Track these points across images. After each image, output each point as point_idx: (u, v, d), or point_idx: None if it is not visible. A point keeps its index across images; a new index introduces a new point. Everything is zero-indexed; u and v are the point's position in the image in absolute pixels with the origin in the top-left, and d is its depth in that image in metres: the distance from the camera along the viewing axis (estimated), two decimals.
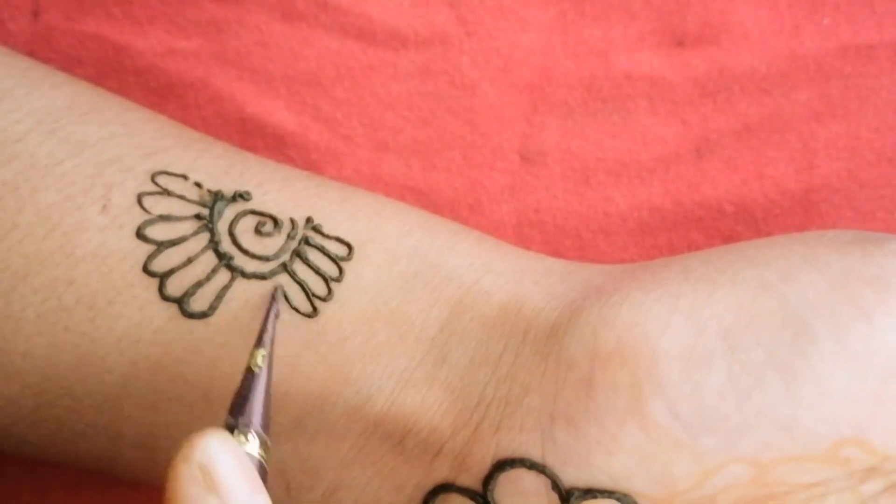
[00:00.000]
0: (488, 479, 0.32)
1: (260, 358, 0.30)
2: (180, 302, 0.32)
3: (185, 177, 0.33)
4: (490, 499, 0.32)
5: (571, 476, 0.31)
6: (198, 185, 0.33)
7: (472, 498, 0.32)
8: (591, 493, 0.31)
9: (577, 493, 0.31)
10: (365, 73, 0.39)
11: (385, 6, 0.39)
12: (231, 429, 0.29)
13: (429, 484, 0.32)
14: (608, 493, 0.31)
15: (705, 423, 0.30)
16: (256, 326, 0.31)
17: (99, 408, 0.33)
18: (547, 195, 0.40)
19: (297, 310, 0.32)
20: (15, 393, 0.33)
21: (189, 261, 0.32)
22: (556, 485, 0.31)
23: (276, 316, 0.31)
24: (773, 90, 0.40)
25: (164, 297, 0.32)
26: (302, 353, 0.32)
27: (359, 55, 0.39)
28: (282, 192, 0.34)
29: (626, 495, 0.31)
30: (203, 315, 0.32)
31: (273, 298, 0.31)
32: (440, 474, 0.32)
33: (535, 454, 0.31)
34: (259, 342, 0.30)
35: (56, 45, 0.39)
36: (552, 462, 0.31)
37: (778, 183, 0.40)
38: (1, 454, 0.41)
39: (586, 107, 0.40)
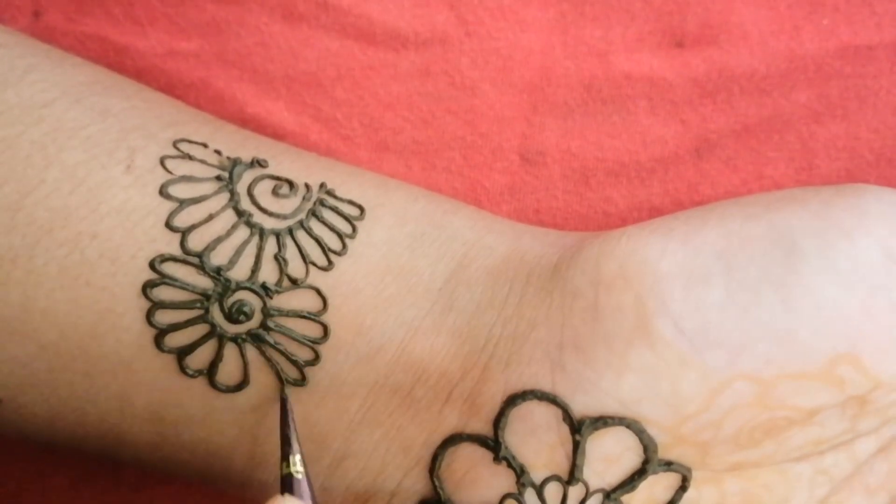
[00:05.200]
0: (499, 417, 0.32)
1: (299, 463, 0.31)
2: (201, 256, 0.33)
3: (205, 145, 0.34)
4: (501, 439, 0.32)
5: (581, 404, 0.32)
6: (217, 152, 0.34)
7: (482, 444, 0.33)
8: (601, 421, 0.32)
9: (587, 422, 0.32)
10: (365, 74, 0.39)
11: (385, 7, 0.39)
12: None
13: (437, 438, 0.33)
14: (618, 421, 0.32)
15: (709, 339, 0.31)
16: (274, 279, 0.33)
17: (113, 371, 0.33)
18: (546, 195, 0.40)
19: (314, 263, 0.33)
20: (30, 354, 0.33)
21: (210, 217, 0.33)
22: (566, 415, 0.32)
23: (293, 419, 0.33)
24: (773, 90, 0.40)
25: (186, 252, 0.33)
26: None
27: (359, 56, 0.39)
28: (295, 163, 0.35)
29: (635, 421, 0.31)
30: (223, 269, 0.33)
31: (285, 403, 0.33)
32: (449, 425, 0.33)
33: (545, 385, 0.32)
34: (290, 448, 0.32)
35: (57, 45, 0.39)
36: (562, 391, 0.32)
37: (777, 183, 0.40)
38: (2, 450, 0.41)
39: (586, 107, 0.40)
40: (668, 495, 0.32)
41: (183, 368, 0.33)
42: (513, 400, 0.32)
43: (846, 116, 0.40)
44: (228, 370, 0.33)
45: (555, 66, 0.40)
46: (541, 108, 0.40)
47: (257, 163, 0.34)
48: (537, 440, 0.32)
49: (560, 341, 0.32)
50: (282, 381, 0.33)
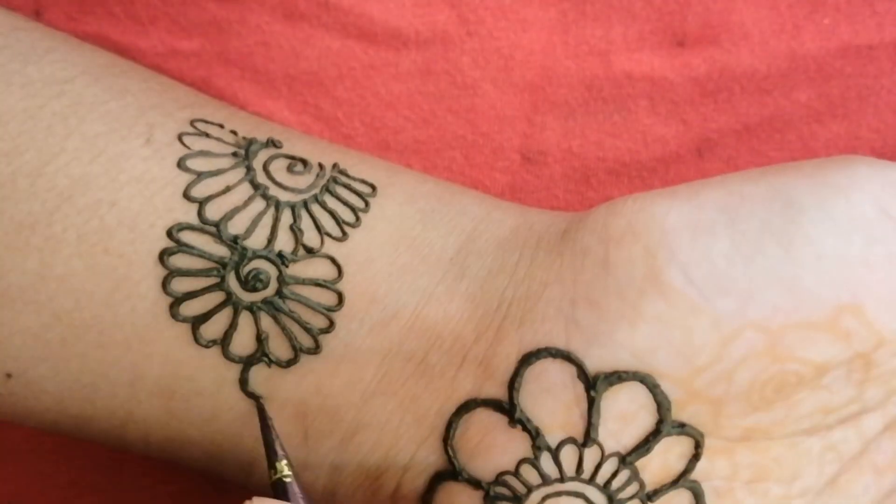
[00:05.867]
0: (514, 377, 0.33)
1: (286, 467, 0.32)
2: (218, 225, 0.33)
3: (221, 125, 0.35)
4: (515, 401, 0.32)
5: (596, 359, 0.32)
6: (233, 132, 0.35)
7: (496, 409, 0.33)
8: (615, 376, 0.32)
9: (602, 377, 0.32)
10: (366, 73, 0.39)
11: (386, 6, 0.39)
12: None
13: (451, 406, 0.33)
14: (632, 375, 0.32)
15: (718, 286, 0.32)
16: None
17: (126, 342, 0.33)
18: (548, 195, 0.40)
19: (328, 234, 0.34)
20: (44, 324, 0.33)
21: (227, 189, 0.34)
22: (581, 372, 0.32)
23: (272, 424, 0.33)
24: (774, 90, 0.40)
25: (203, 221, 0.33)
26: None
27: (360, 55, 0.39)
28: (308, 145, 0.36)
29: (649, 375, 0.32)
30: (240, 238, 0.33)
31: (262, 410, 0.33)
32: (463, 391, 0.33)
33: (559, 342, 0.33)
34: (275, 454, 0.32)
35: None
36: (577, 347, 0.32)
37: None
38: (2, 450, 0.41)
39: (587, 106, 0.40)
40: (682, 464, 0.32)
41: (197, 338, 0.33)
42: (527, 359, 0.33)
43: (847, 116, 0.40)
44: (242, 340, 0.33)
45: (556, 65, 0.40)
46: (542, 108, 0.40)
47: (272, 143, 0.35)
48: (552, 399, 0.32)
49: (573, 297, 0.33)
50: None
